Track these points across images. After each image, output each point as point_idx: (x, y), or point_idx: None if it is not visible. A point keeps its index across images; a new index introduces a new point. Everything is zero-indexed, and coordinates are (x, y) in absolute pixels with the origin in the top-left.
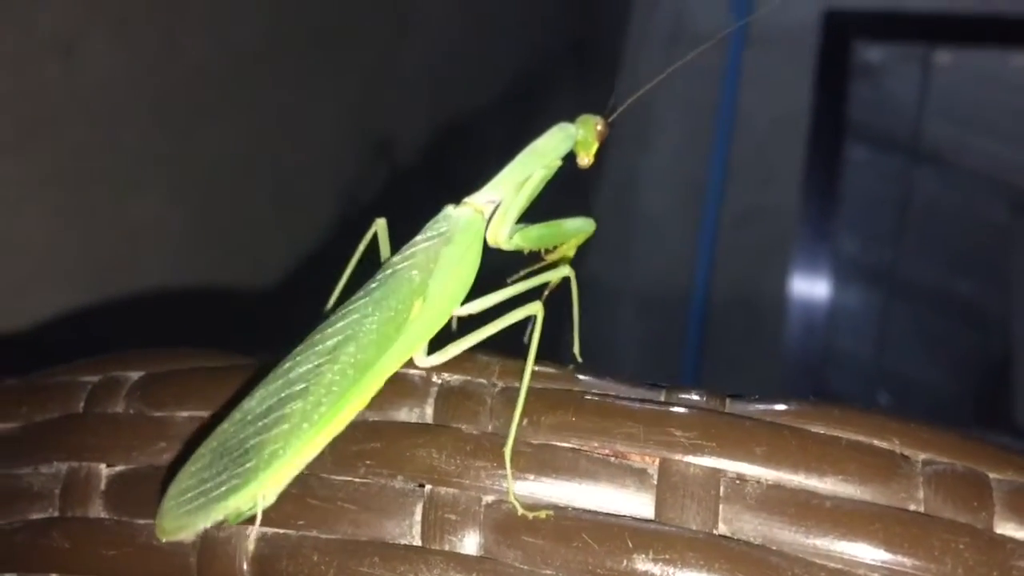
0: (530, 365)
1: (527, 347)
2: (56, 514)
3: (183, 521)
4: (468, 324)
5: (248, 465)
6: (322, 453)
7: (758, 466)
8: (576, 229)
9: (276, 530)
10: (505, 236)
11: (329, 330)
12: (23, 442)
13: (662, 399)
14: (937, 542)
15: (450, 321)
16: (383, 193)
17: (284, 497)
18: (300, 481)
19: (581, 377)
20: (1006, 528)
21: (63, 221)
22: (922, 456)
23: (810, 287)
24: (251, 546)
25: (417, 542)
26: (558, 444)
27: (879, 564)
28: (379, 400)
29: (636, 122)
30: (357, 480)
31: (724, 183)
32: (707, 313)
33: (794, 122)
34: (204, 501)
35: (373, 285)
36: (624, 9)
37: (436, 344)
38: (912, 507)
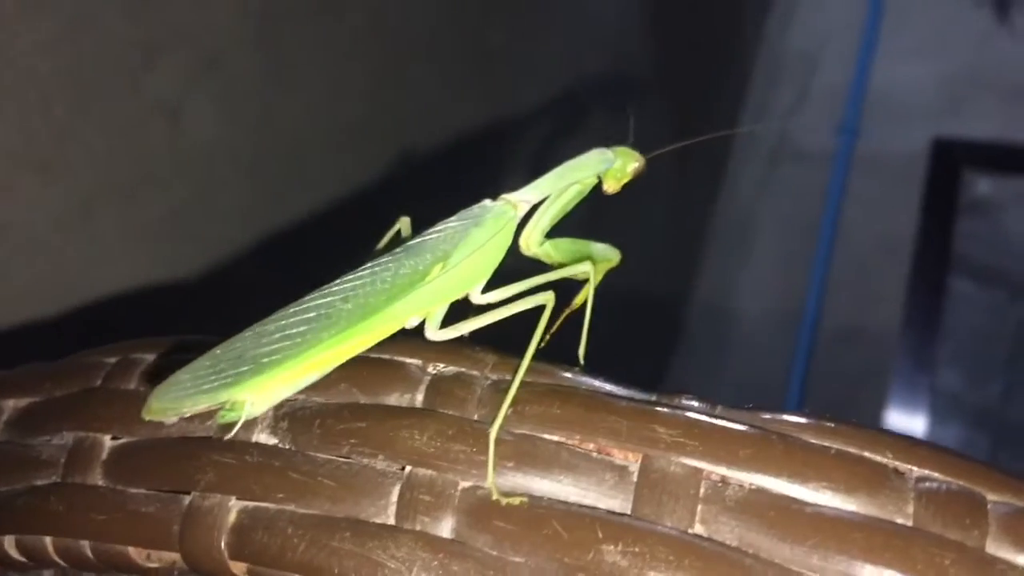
0: (529, 353)
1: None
2: (58, 480)
3: (169, 404)
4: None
5: (243, 369)
6: (311, 423)
7: (741, 469)
8: (603, 254)
9: (257, 503)
10: (536, 242)
11: (350, 276)
12: (42, 415)
13: (652, 399)
14: (921, 555)
15: (467, 308)
16: None
17: (267, 469)
18: (285, 455)
19: (571, 375)
20: (999, 549)
21: (158, 275)
22: (916, 472)
23: (908, 419)
24: (231, 516)
25: (391, 521)
26: (541, 435)
27: (859, 573)
28: (372, 384)
29: (736, 234)
30: (340, 458)
31: (822, 303)
32: None
33: (897, 247)
34: (194, 391)
35: (399, 249)
36: (731, 124)
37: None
38: (899, 520)
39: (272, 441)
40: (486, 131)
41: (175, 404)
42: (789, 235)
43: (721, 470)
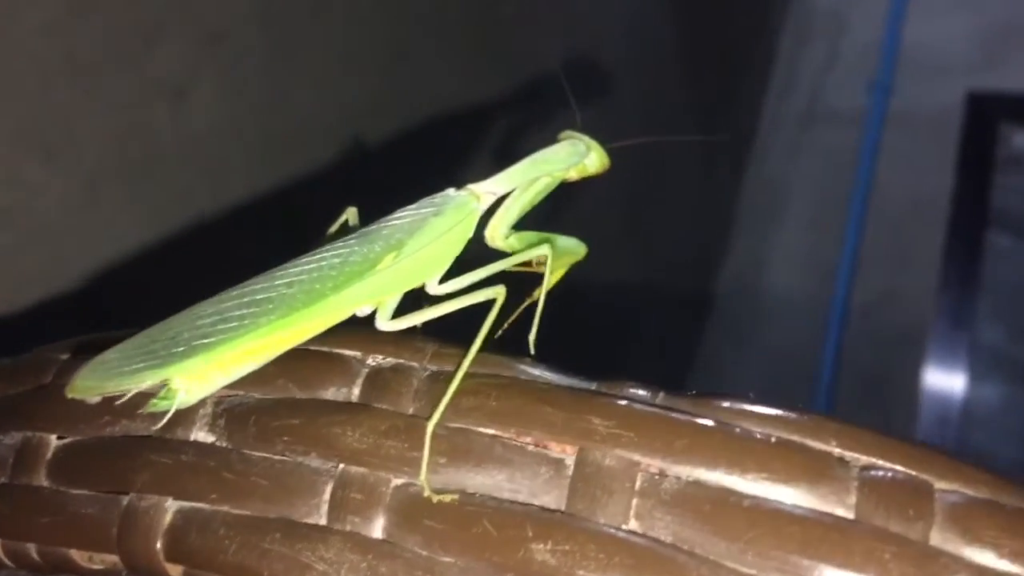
0: (475, 348)
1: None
2: (5, 481)
3: (94, 383)
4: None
5: (176, 350)
6: (247, 420)
7: (677, 460)
8: (569, 248)
9: (192, 504)
10: (501, 235)
11: (298, 260)
12: None
13: (592, 388)
14: (860, 549)
15: (421, 297)
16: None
17: (202, 469)
18: (220, 454)
19: (512, 365)
20: (944, 541)
21: (164, 259)
22: (862, 460)
23: (946, 379)
24: (167, 518)
25: (323, 522)
26: (475, 429)
27: (794, 569)
28: (308, 378)
29: (767, 200)
30: (274, 456)
31: (856, 267)
32: (834, 401)
33: (933, 206)
34: (121, 370)
35: (352, 236)
36: (760, 88)
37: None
38: (840, 512)
39: (210, 439)
40: (495, 104)
41: (99, 383)
42: (821, 198)
43: (657, 462)
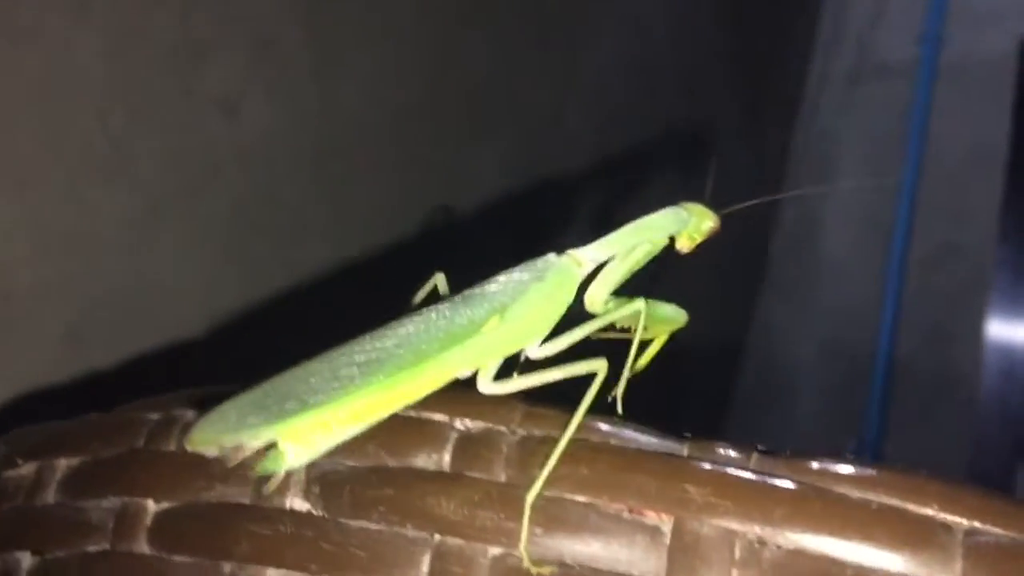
0: (577, 419)
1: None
2: (108, 547)
3: (212, 435)
4: None
5: (287, 406)
6: (341, 488)
7: (776, 528)
8: (667, 315)
9: (293, 572)
10: (601, 300)
11: (404, 320)
12: (90, 476)
13: (684, 453)
14: None
15: (520, 362)
16: (544, 244)
17: (299, 539)
18: (317, 524)
19: (601, 425)
20: None
21: (223, 270)
22: (965, 524)
23: (1010, 331)
24: None
25: None
26: (569, 497)
27: None
28: (398, 445)
29: (818, 159)
30: (371, 527)
31: (913, 222)
32: (894, 360)
33: (990, 156)
34: (237, 424)
35: (457, 296)
36: (806, 46)
37: None
38: None
39: (305, 507)
40: (545, 106)
41: (217, 436)
42: (874, 155)
43: (756, 530)
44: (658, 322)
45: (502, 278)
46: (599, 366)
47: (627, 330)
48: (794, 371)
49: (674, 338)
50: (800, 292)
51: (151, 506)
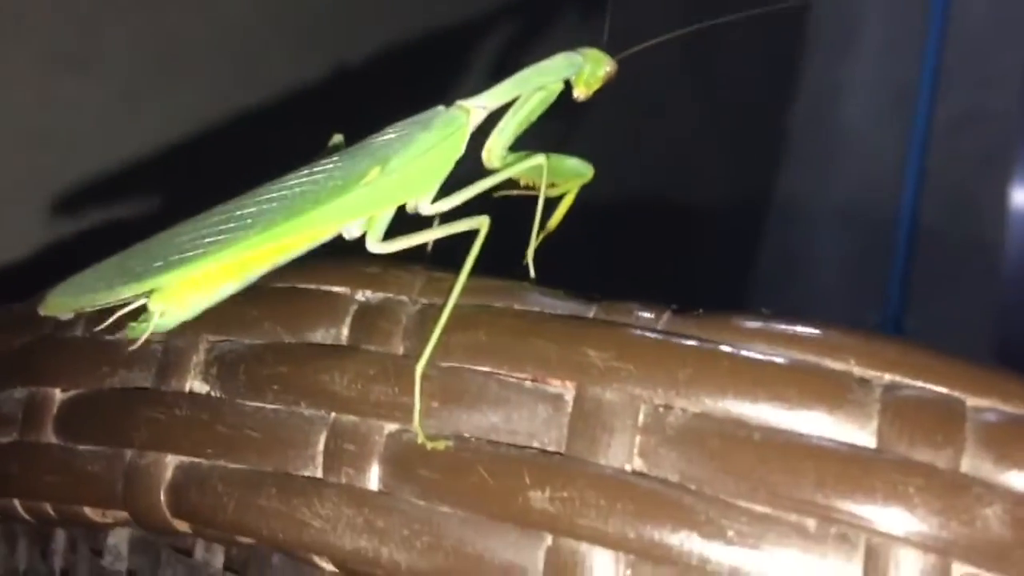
0: (460, 282)
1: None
2: (16, 438)
3: (68, 300)
4: None
5: (152, 265)
6: (237, 368)
7: (681, 391)
8: (574, 168)
9: (191, 459)
10: (498, 155)
11: (286, 176)
12: (3, 366)
13: (591, 315)
14: (881, 484)
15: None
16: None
17: (196, 423)
18: (213, 406)
19: (507, 289)
20: (978, 468)
21: (204, 161)
22: (886, 379)
23: None
24: (168, 474)
25: (318, 474)
26: (467, 367)
27: (809, 508)
28: (296, 319)
29: (836, 23)
30: (267, 406)
31: (936, 87)
32: (917, 229)
33: (1017, 20)
34: (96, 286)
35: (343, 151)
36: None
37: None
38: (861, 440)
39: (204, 389)
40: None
41: (73, 299)
42: (896, 21)
43: (660, 395)
44: (564, 177)
45: (390, 130)
46: (481, 222)
47: (533, 188)
48: (815, 245)
49: (582, 192)
50: (822, 168)
51: (57, 395)
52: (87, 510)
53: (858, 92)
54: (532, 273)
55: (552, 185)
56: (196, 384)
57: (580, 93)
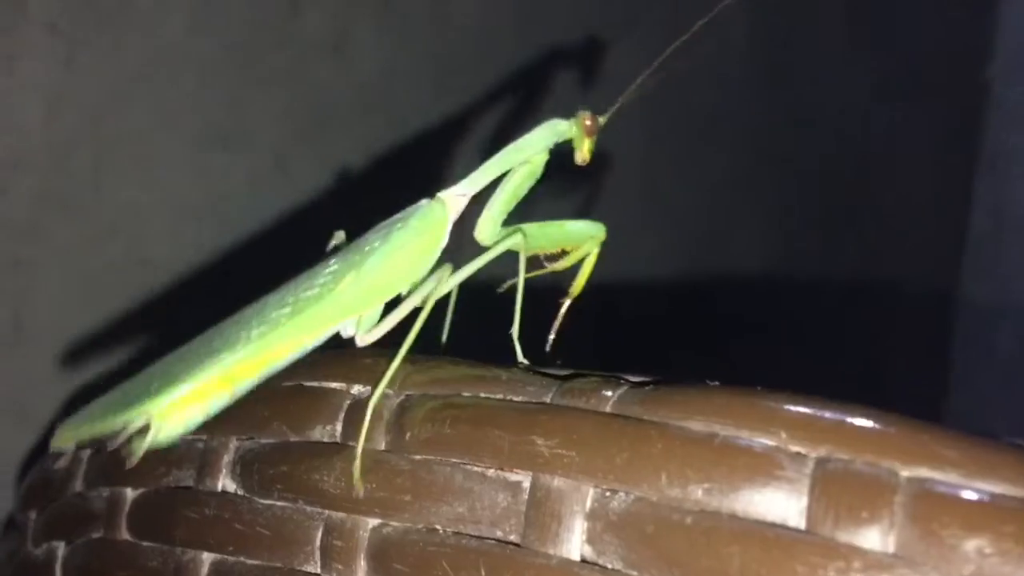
0: (396, 363)
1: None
2: (102, 534)
3: (74, 432)
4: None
5: (150, 387)
6: (252, 468)
7: (619, 476)
8: (582, 233)
9: (221, 556)
10: (490, 233)
11: (264, 295)
12: (98, 467)
13: (548, 399)
14: (802, 569)
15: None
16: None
17: (219, 521)
18: (235, 505)
19: (478, 376)
20: (904, 547)
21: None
22: (818, 452)
23: None
24: (204, 571)
25: (317, 570)
26: (435, 459)
27: None
28: (299, 418)
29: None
30: (276, 504)
31: None
32: None
33: None
34: (100, 416)
35: (331, 256)
36: None
37: None
38: (792, 521)
39: (232, 488)
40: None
41: (77, 431)
42: None
43: (602, 479)
44: (577, 241)
45: (374, 229)
46: (422, 299)
47: (555, 257)
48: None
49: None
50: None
51: (129, 494)
52: None
53: None
54: (520, 353)
55: (566, 252)
56: (227, 483)
57: (579, 157)
